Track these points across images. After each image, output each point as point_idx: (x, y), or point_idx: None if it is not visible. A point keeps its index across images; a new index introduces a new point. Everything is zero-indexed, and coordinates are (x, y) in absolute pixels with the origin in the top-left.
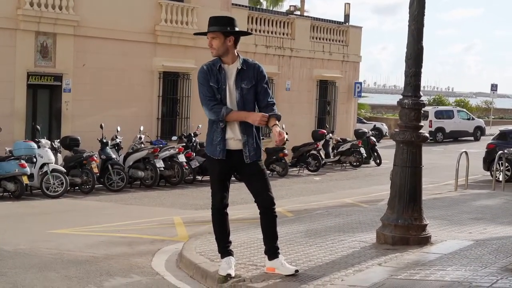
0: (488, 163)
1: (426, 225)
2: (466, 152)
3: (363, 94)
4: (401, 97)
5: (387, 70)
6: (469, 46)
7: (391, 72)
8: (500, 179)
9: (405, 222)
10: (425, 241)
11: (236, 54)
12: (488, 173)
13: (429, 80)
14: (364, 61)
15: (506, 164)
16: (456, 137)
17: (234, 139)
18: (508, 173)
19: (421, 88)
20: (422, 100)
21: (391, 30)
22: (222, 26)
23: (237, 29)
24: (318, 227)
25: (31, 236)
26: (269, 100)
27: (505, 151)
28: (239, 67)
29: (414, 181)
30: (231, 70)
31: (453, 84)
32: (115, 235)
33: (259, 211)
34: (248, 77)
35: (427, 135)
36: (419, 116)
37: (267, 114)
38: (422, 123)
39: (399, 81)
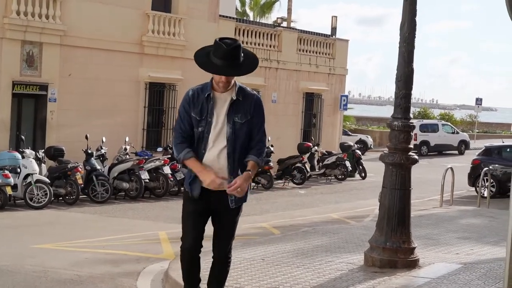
0: (473, 178)
1: (414, 248)
2: (451, 168)
3: (348, 106)
4: (385, 108)
5: (372, 81)
6: (454, 58)
7: (376, 83)
8: (485, 195)
9: (393, 245)
10: (413, 264)
11: (233, 80)
12: (473, 188)
13: (414, 91)
14: (349, 72)
15: (491, 180)
16: (440, 150)
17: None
18: (493, 189)
19: None
20: (412, 122)
21: (376, 41)
22: (239, 56)
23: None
24: (305, 247)
25: (15, 250)
26: (261, 137)
27: (490, 167)
28: (234, 98)
29: (403, 204)
30: (224, 99)
31: (437, 96)
32: (100, 252)
33: (212, 255)
34: (244, 109)
35: (417, 157)
36: (408, 138)
37: (222, 181)
38: (411, 145)
39: (384, 92)
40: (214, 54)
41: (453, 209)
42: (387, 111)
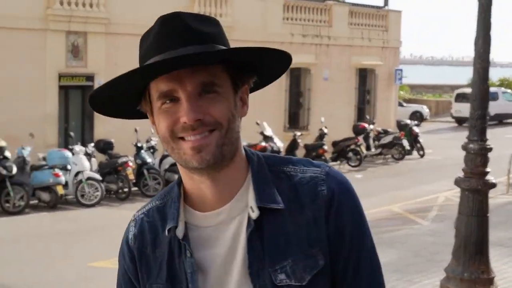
0: None
1: (493, 278)
2: None
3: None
4: (438, 69)
5: (424, 39)
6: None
7: (429, 41)
8: None
9: (471, 275)
10: None
11: (245, 157)
12: None
13: (468, 52)
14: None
15: None
16: (500, 119)
17: None
18: None
19: (462, 60)
20: (489, 145)
21: None
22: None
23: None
24: None
25: (74, 269)
26: None
27: None
28: (255, 215)
29: (480, 231)
30: (221, 232)
31: (493, 54)
32: None
33: None
34: (299, 236)
35: (495, 181)
36: (485, 161)
37: None
38: (488, 169)
39: (437, 52)
40: (144, 57)
41: None
42: (441, 72)
